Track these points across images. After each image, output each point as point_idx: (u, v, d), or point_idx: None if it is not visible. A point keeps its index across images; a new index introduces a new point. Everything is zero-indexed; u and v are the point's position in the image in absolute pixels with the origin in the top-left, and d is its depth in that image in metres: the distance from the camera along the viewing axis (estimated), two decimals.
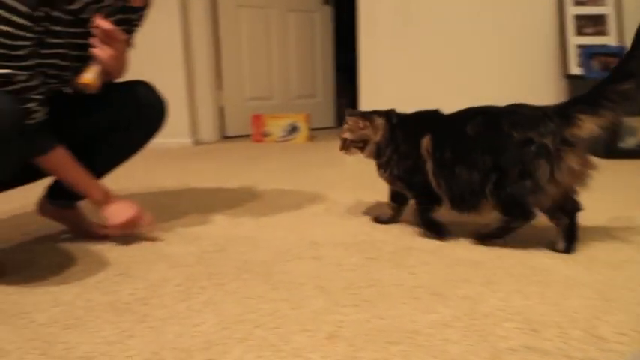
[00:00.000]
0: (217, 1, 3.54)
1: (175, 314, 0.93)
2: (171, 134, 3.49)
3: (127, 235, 1.34)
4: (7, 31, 1.02)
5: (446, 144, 1.27)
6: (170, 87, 3.34)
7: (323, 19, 4.12)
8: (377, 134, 1.39)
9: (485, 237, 1.27)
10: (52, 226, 1.47)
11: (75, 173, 1.25)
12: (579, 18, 2.83)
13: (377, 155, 1.41)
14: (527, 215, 1.19)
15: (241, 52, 3.71)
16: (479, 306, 0.94)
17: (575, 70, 2.77)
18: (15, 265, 1.21)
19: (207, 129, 3.61)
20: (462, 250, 1.25)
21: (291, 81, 4.01)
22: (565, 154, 1.12)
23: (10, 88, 1.07)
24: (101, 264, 1.20)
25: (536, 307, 0.93)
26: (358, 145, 1.41)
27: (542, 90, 2.93)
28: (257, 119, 3.49)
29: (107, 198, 1.28)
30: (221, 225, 1.51)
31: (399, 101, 3.16)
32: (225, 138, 3.72)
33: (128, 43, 1.28)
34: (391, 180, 1.41)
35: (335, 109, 4.40)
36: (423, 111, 1.39)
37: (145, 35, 3.47)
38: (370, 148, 1.40)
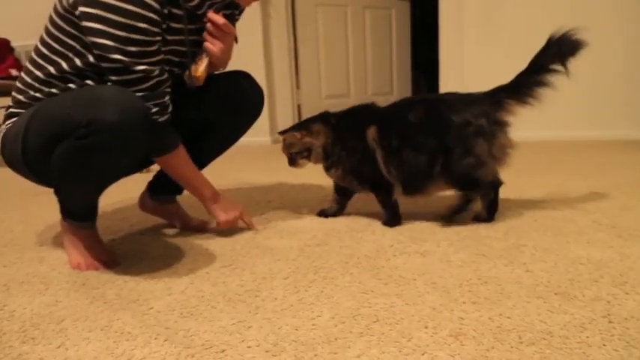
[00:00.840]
0: (296, 0, 3.57)
1: (288, 307, 0.92)
2: (251, 133, 3.57)
3: (229, 229, 1.37)
4: (143, 28, 1.05)
5: (392, 132, 1.34)
6: None
7: (399, 16, 4.06)
8: (318, 138, 1.41)
9: (451, 216, 1.37)
10: (154, 218, 1.52)
11: (189, 171, 1.28)
12: None
13: (325, 157, 1.42)
14: (478, 186, 1.35)
15: (318, 50, 3.73)
16: (615, 309, 0.85)
17: None
18: (126, 256, 1.26)
19: (285, 126, 3.65)
20: (578, 247, 1.15)
21: (367, 79, 3.97)
22: (498, 132, 1.31)
23: (147, 84, 1.10)
24: (207, 256, 1.22)
25: None
26: (303, 155, 1.43)
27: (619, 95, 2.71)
28: None
29: (216, 196, 1.32)
30: (316, 219, 1.50)
31: None
32: None
33: (235, 38, 1.30)
34: (342, 176, 1.43)
35: None
36: (359, 106, 1.45)
37: None
38: (316, 152, 1.42)
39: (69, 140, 0.99)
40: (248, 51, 3.40)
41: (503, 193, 1.47)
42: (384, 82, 4.07)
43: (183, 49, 1.20)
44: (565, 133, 3.03)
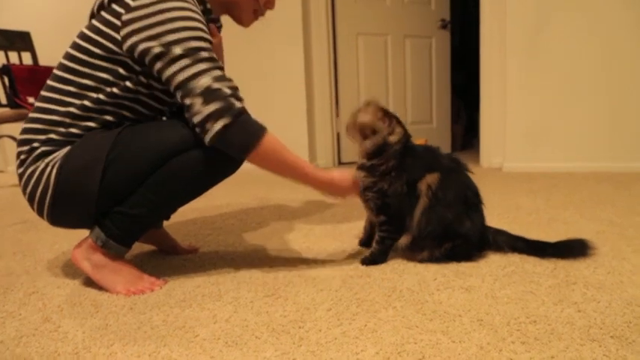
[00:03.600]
0: (337, 30, 3.65)
1: (332, 340, 0.91)
2: None
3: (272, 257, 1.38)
4: (210, 40, 1.16)
5: (449, 186, 1.29)
6: (292, 114, 3.53)
7: (440, 44, 4.07)
8: (392, 135, 1.31)
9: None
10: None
11: (291, 154, 1.21)
12: None
13: (374, 154, 1.31)
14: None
15: (359, 79, 3.77)
16: None
17: None
18: (169, 280, 1.28)
19: (325, 155, 3.69)
20: (633, 287, 1.10)
21: (407, 107, 3.98)
22: None
23: (239, 92, 1.16)
24: (250, 284, 1.23)
25: None
26: (366, 131, 1.32)
27: None
28: None
29: (319, 170, 1.28)
30: (358, 248, 1.49)
31: (521, 132, 3.02)
32: (341, 164, 3.77)
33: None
34: (370, 187, 1.32)
35: (450, 135, 4.29)
36: (430, 146, 1.38)
37: (271, 63, 3.68)
38: (376, 140, 1.30)
39: (187, 154, 1.15)
40: (289, 79, 3.48)
41: (549, 226, 1.43)
42: (424, 111, 4.06)
43: None
44: (589, 165, 2.95)
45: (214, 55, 1.16)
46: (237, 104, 1.13)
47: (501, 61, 3.13)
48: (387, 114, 1.34)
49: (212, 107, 1.10)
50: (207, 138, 1.12)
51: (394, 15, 3.83)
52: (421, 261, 1.33)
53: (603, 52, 2.88)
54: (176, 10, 1.13)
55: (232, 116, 1.11)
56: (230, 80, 1.15)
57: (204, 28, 1.17)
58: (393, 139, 1.31)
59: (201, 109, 1.10)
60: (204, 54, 1.13)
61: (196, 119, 1.11)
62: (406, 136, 1.34)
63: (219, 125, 1.11)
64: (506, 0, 3.01)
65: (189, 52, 1.11)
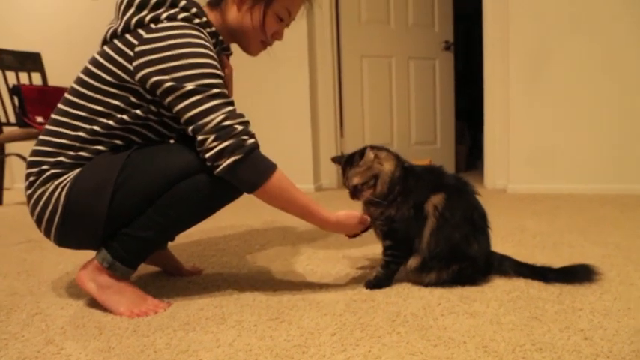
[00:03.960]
0: (342, 52, 3.69)
1: None
2: (296, 180, 3.64)
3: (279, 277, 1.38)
4: (221, 75, 1.18)
5: (455, 206, 1.28)
6: (297, 136, 3.55)
7: (443, 66, 4.11)
8: (387, 164, 1.30)
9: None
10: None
11: (299, 193, 1.22)
12: None
13: (389, 189, 1.30)
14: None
15: (363, 100, 3.80)
16: None
17: None
18: (171, 299, 1.28)
19: (329, 175, 3.70)
20: None
21: (411, 128, 4.00)
22: None
23: (250, 128, 1.17)
24: (253, 307, 1.23)
25: None
26: (370, 184, 1.30)
27: None
28: None
29: (325, 210, 1.28)
30: (361, 272, 1.49)
31: (525, 154, 3.03)
32: None
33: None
34: (379, 217, 1.32)
35: (455, 156, 4.30)
36: (433, 166, 1.39)
37: (276, 85, 3.72)
38: (383, 180, 1.29)
39: (194, 178, 1.17)
40: (294, 100, 3.51)
41: (554, 250, 1.42)
42: (428, 132, 4.08)
43: None
44: (593, 187, 2.95)
45: (225, 91, 1.18)
46: (249, 141, 1.15)
47: (504, 84, 3.16)
48: (372, 151, 1.32)
49: (224, 145, 1.12)
50: (217, 172, 1.14)
51: (398, 37, 3.88)
52: (428, 283, 1.32)
53: (606, 75, 2.89)
54: (189, 47, 1.15)
55: (244, 153, 1.13)
56: (242, 116, 1.17)
57: (216, 63, 1.19)
58: (388, 168, 1.31)
59: (213, 146, 1.12)
60: (216, 90, 1.15)
61: (208, 155, 1.13)
62: (398, 160, 1.34)
63: (230, 161, 1.12)
64: (509, 24, 3.04)
65: (200, 89, 1.13)
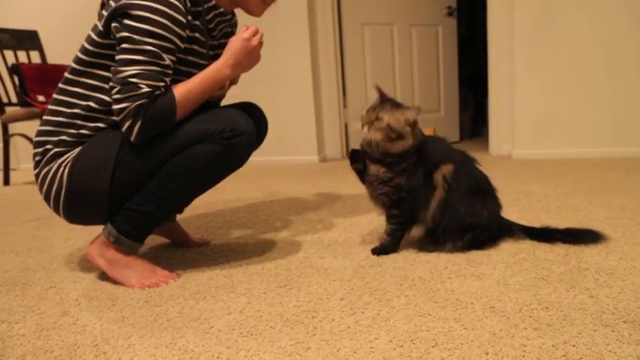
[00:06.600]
0: (343, 20, 3.63)
1: (345, 329, 0.93)
2: (300, 152, 3.65)
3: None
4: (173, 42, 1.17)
5: (462, 178, 1.29)
6: (299, 107, 3.53)
7: (446, 32, 4.04)
8: (415, 137, 1.28)
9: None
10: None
11: (197, 86, 1.20)
12: None
13: (401, 156, 1.28)
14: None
15: (365, 69, 3.76)
16: None
17: None
18: (182, 273, 1.30)
19: (333, 146, 3.69)
20: None
21: (414, 96, 3.96)
22: None
23: (159, 92, 1.14)
24: (262, 275, 1.24)
25: None
26: (392, 135, 1.26)
27: None
28: None
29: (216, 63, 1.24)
30: (368, 238, 1.50)
31: (530, 119, 3.00)
32: None
33: None
34: (387, 182, 1.30)
35: (459, 123, 4.27)
36: (440, 137, 1.38)
37: (277, 55, 3.67)
38: (401, 147, 1.27)
39: (206, 144, 1.16)
40: (296, 70, 3.47)
41: (558, 213, 1.42)
42: (432, 100, 4.04)
43: (204, 62, 1.29)
44: (598, 150, 2.94)
45: (163, 54, 1.14)
46: (143, 102, 1.11)
47: (509, 48, 3.11)
48: (414, 123, 1.29)
49: (123, 105, 1.11)
50: (132, 139, 1.14)
51: (400, 4, 3.80)
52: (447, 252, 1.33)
53: (611, 36, 2.84)
54: (158, 2, 1.13)
55: (142, 116, 1.12)
56: (157, 79, 1.13)
57: (177, 29, 1.16)
58: (415, 142, 1.28)
59: (115, 98, 1.11)
60: (147, 47, 1.12)
61: (114, 107, 1.13)
62: (422, 134, 1.33)
63: (136, 129, 1.12)
64: None
65: (137, 42, 1.12)
